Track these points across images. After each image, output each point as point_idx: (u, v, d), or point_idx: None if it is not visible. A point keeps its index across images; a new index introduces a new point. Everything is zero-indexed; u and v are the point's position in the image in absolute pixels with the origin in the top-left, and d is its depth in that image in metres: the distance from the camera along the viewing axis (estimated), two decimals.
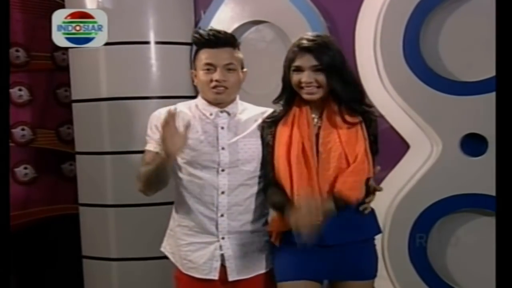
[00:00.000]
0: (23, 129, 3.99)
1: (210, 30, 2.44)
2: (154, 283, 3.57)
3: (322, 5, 3.34)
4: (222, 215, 2.40)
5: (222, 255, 2.42)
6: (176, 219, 2.49)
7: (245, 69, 2.49)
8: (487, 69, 2.93)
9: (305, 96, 2.36)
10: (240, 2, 3.51)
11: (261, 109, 2.53)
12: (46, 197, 4.09)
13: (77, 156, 3.79)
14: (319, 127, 2.36)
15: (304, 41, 2.35)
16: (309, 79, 2.32)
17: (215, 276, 2.41)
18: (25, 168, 4.00)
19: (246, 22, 3.52)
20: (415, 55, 3.06)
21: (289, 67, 2.38)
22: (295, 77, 2.36)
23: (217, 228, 2.41)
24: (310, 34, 2.41)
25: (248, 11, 3.50)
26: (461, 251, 3.12)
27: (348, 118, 2.34)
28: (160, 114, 2.41)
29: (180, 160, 2.40)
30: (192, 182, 2.41)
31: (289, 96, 2.42)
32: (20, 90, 3.96)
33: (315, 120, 2.38)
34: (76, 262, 3.80)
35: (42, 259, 4.01)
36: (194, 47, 2.48)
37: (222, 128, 2.42)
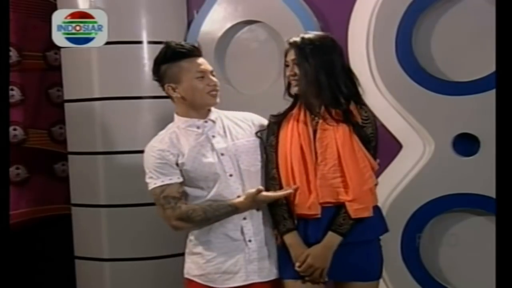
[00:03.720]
0: (15, 129, 3.97)
1: (183, 42, 2.51)
2: (146, 283, 3.56)
3: (315, 5, 3.34)
4: (244, 218, 2.41)
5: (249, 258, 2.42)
6: (194, 239, 2.46)
7: None
8: (479, 69, 2.95)
9: (292, 90, 2.43)
10: (233, 2, 3.51)
11: (238, 112, 2.57)
12: (38, 197, 4.07)
13: (70, 156, 3.77)
14: (317, 124, 2.40)
15: (292, 39, 2.44)
16: (291, 72, 2.40)
17: (253, 279, 2.40)
18: (17, 168, 3.98)
19: (239, 22, 3.52)
20: (408, 55, 3.07)
21: (284, 63, 2.46)
22: (286, 73, 2.44)
23: (242, 232, 2.41)
24: (307, 33, 2.48)
25: (241, 11, 3.50)
26: (453, 250, 3.13)
27: (334, 114, 2.38)
28: (154, 148, 2.43)
29: (191, 182, 2.41)
30: (207, 196, 2.41)
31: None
32: (12, 89, 3.94)
33: (314, 117, 2.41)
34: (68, 263, 3.79)
35: (34, 259, 3.99)
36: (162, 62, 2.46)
37: (214, 136, 2.44)
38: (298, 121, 2.41)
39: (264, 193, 2.37)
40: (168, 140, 2.43)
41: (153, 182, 2.40)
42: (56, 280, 3.94)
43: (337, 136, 2.35)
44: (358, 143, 2.36)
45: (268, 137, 2.48)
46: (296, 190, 2.35)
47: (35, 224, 4.01)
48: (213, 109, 2.50)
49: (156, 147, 2.42)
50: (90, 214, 3.66)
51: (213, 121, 2.47)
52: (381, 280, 3.09)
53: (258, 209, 2.44)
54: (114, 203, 3.58)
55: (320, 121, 2.39)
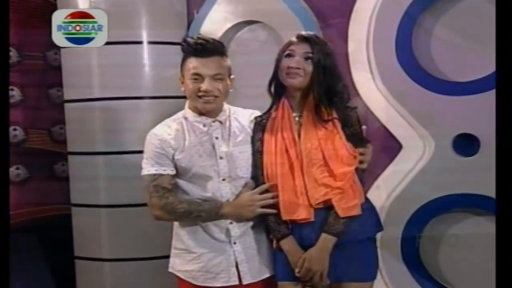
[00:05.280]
0: (15, 129, 3.97)
1: (198, 38, 2.43)
2: (146, 283, 3.56)
3: (315, 5, 3.34)
4: (231, 222, 2.42)
5: (235, 260, 2.42)
6: (181, 235, 2.47)
7: (232, 76, 2.49)
8: (479, 69, 2.95)
9: (288, 81, 2.39)
10: (233, 2, 3.51)
11: (249, 112, 2.55)
12: (38, 198, 4.06)
13: (70, 156, 3.78)
14: (300, 126, 2.40)
15: (303, 33, 2.45)
16: (297, 65, 2.37)
17: (235, 281, 2.41)
18: (17, 168, 3.98)
19: (239, 22, 3.52)
20: (408, 55, 3.07)
21: (282, 53, 2.42)
22: (284, 63, 2.40)
23: (227, 235, 2.42)
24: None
25: (241, 11, 3.50)
26: (453, 250, 3.13)
27: (323, 115, 2.37)
28: (157, 136, 2.42)
29: (183, 176, 2.42)
30: (197, 195, 2.41)
31: (277, 87, 2.47)
32: (12, 90, 3.94)
33: (297, 118, 2.42)
34: (68, 263, 3.79)
35: (34, 259, 3.99)
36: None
37: (217, 138, 2.43)
38: (281, 125, 2.40)
39: (250, 191, 2.39)
40: (174, 131, 2.42)
41: (147, 168, 2.41)
42: (56, 280, 3.94)
43: (319, 136, 2.35)
44: (341, 140, 2.35)
45: (255, 143, 2.45)
46: (277, 196, 2.36)
47: (35, 224, 4.01)
48: (226, 107, 2.49)
49: (159, 136, 2.42)
50: (90, 214, 3.66)
51: (221, 122, 2.45)
52: (381, 280, 3.12)
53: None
54: (114, 203, 3.58)
55: (303, 122, 2.39)
